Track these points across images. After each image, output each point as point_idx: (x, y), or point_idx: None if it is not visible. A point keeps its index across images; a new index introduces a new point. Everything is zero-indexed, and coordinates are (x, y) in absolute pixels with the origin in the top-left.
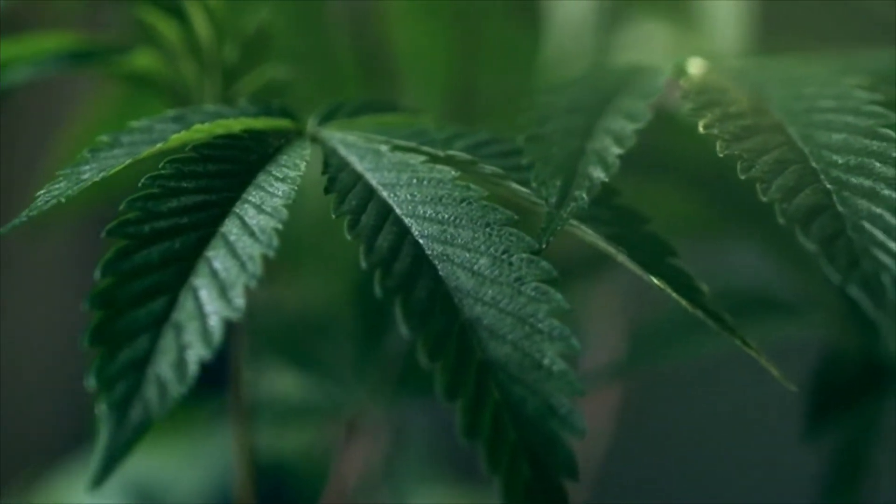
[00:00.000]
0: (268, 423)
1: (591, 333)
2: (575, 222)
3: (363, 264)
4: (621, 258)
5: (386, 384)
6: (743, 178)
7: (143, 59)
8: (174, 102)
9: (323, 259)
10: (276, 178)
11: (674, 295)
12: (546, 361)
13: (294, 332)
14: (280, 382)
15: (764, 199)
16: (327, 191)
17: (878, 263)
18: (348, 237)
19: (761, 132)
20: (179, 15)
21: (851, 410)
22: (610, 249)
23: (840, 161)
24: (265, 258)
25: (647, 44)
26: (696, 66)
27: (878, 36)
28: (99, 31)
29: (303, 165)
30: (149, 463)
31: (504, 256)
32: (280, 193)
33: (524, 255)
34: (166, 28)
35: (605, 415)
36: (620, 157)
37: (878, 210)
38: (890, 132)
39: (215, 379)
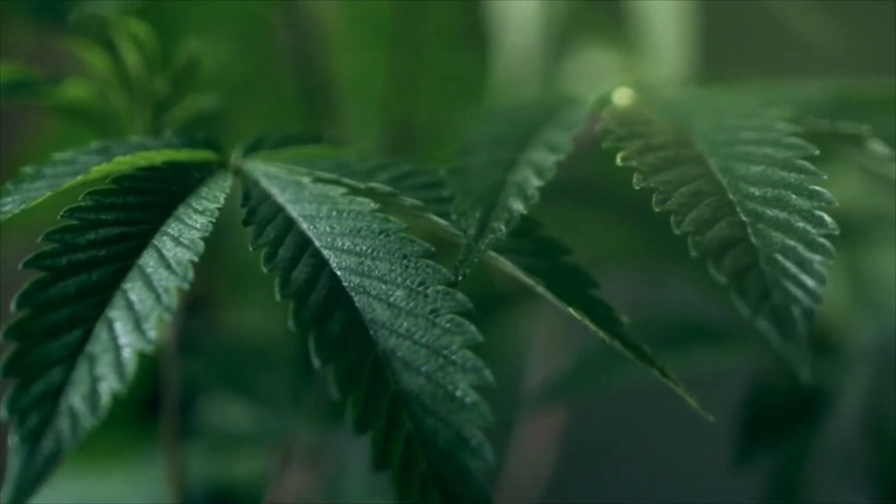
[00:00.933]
0: (208, 451)
1: (543, 354)
2: (494, 254)
3: (277, 297)
4: (540, 290)
5: (321, 411)
6: (657, 210)
7: (76, 91)
8: (107, 133)
9: (264, 287)
10: (196, 211)
11: (591, 327)
12: (459, 393)
13: (235, 360)
14: (221, 411)
15: (677, 232)
16: (245, 223)
17: (788, 296)
18: (265, 270)
19: (681, 164)
20: (110, 46)
21: (782, 438)
22: (528, 281)
23: (757, 193)
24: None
25: (594, 71)
26: (622, 97)
27: (817, 65)
28: (51, 64)
29: (222, 197)
30: (90, 489)
31: (420, 288)
32: (198, 226)
33: (440, 288)
34: (97, 59)
35: (550, 438)
36: (541, 188)
37: (792, 242)
38: (807, 164)
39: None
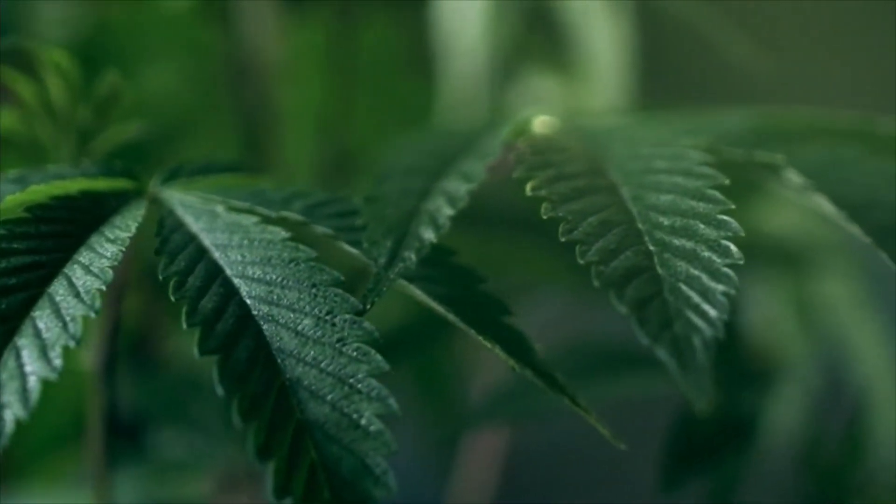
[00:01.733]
0: (142, 477)
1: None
2: (404, 282)
3: (184, 325)
4: (451, 318)
5: None
6: (563, 240)
7: (5, 120)
8: (35, 162)
9: None
10: (108, 240)
11: (502, 356)
12: (363, 421)
13: (172, 386)
14: (158, 437)
15: (581, 262)
16: (157, 252)
17: (690, 326)
18: (172, 299)
19: (593, 193)
20: (35, 76)
21: (711, 463)
22: (440, 309)
23: (666, 222)
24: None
25: (539, 98)
26: (541, 125)
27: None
28: None
29: (134, 226)
30: None
31: (328, 317)
32: (108, 255)
33: (347, 317)
34: (23, 89)
35: (494, 457)
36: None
37: (696, 272)
38: (716, 193)
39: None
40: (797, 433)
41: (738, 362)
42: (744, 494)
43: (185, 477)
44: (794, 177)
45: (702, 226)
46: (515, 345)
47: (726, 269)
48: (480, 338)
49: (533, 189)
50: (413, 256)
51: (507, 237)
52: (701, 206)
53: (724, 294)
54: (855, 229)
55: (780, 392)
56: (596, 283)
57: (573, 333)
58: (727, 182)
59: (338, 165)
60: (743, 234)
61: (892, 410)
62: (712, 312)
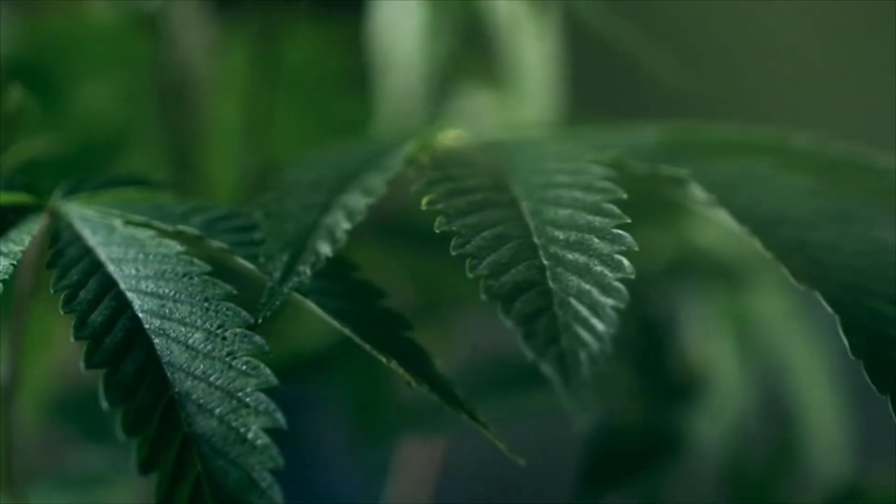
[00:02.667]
0: (60, 490)
1: None
2: (300, 297)
3: (72, 338)
4: (347, 332)
5: None
6: (454, 254)
7: None
8: None
9: None
10: (0, 253)
11: (399, 371)
12: (250, 435)
13: (91, 401)
14: (76, 452)
15: (470, 276)
16: (49, 265)
17: (577, 340)
18: (62, 312)
19: (492, 207)
20: None
21: (629, 478)
22: (335, 324)
23: (561, 237)
24: None
25: (474, 113)
26: (449, 140)
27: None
28: None
29: (28, 240)
30: None
31: (219, 331)
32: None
33: (238, 331)
34: None
35: (429, 467)
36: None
37: (587, 286)
38: (613, 208)
39: None
40: (723, 448)
41: (666, 376)
42: None
43: (105, 491)
44: (698, 191)
45: (596, 240)
46: (414, 360)
47: (617, 284)
48: (376, 353)
49: (429, 203)
50: (308, 271)
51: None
52: (597, 221)
53: (614, 308)
54: (757, 244)
55: (708, 407)
56: (483, 297)
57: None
58: (625, 196)
59: (264, 181)
60: (637, 248)
61: (823, 424)
62: (600, 327)
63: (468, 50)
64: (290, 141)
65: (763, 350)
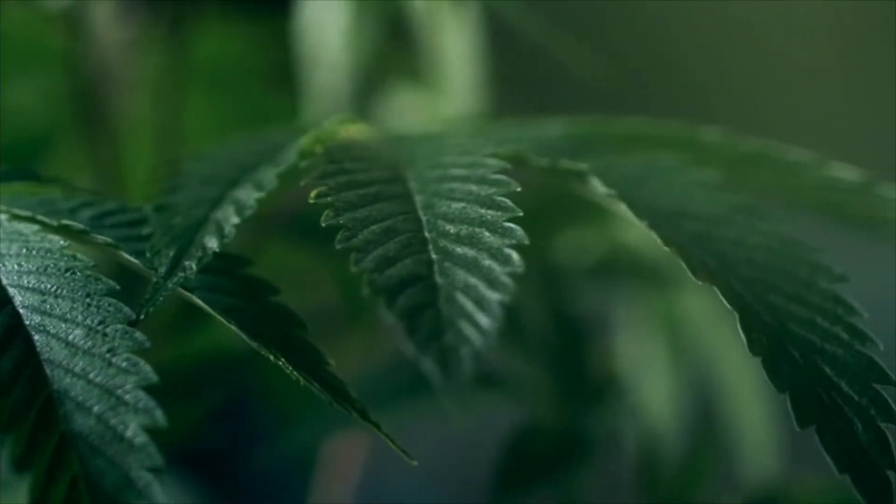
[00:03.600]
0: None
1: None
2: (186, 293)
3: None
4: (233, 329)
5: None
6: (339, 247)
7: None
8: None
9: None
10: None
11: (288, 370)
12: (129, 434)
13: None
14: None
15: (354, 270)
16: None
17: (460, 336)
18: None
19: (385, 200)
20: None
21: (544, 481)
22: (222, 320)
23: (452, 231)
24: None
25: (401, 110)
26: (348, 132)
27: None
28: None
29: None
30: None
31: (100, 327)
32: None
33: (119, 327)
34: None
35: (353, 465)
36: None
37: (474, 281)
38: (506, 201)
39: None
40: (644, 449)
41: (587, 377)
42: None
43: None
44: (597, 185)
45: (487, 234)
46: (305, 358)
47: (504, 278)
48: (263, 350)
49: (318, 196)
50: (194, 266)
51: None
52: (489, 214)
53: (499, 302)
54: (656, 238)
55: (630, 407)
56: (365, 293)
57: None
58: (518, 188)
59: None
60: (527, 241)
61: (751, 425)
62: (484, 321)
63: (393, 47)
64: (214, 138)
65: (692, 350)
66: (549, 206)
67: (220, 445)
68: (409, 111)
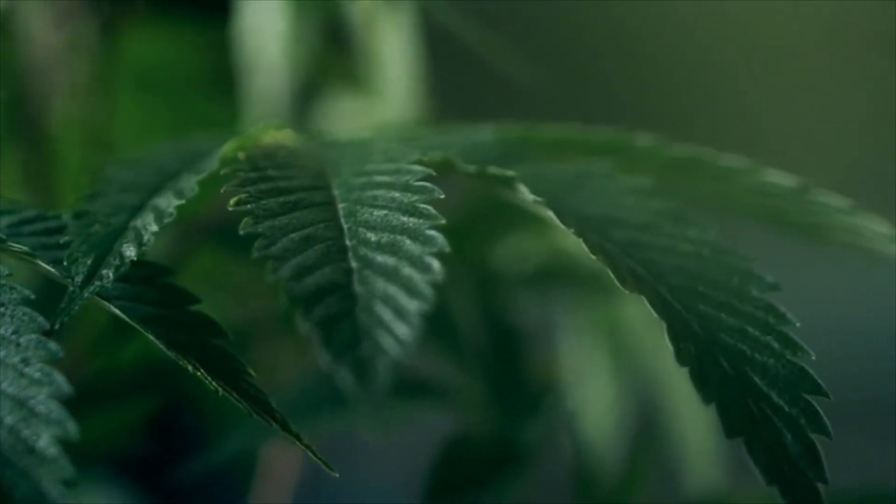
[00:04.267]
0: None
1: None
2: (104, 302)
3: None
4: (151, 338)
5: None
6: (255, 256)
7: None
8: None
9: None
10: None
11: (206, 379)
12: (40, 445)
13: None
14: None
15: (271, 279)
16: None
17: (377, 347)
18: None
19: (307, 208)
20: None
21: (475, 491)
22: (140, 329)
23: (373, 238)
24: None
25: (340, 115)
26: (274, 139)
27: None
28: None
29: None
30: None
31: (13, 337)
32: None
33: (33, 336)
34: None
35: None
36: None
37: (394, 290)
38: (429, 208)
39: None
40: (581, 458)
41: (524, 386)
42: None
43: None
44: (524, 191)
45: (408, 241)
46: (230, 369)
47: (424, 287)
48: (181, 360)
49: (237, 204)
50: (111, 275)
51: None
52: (411, 222)
53: (417, 311)
54: (583, 247)
55: (567, 416)
56: (282, 302)
57: None
58: (442, 196)
59: None
60: (448, 249)
61: (694, 434)
62: (402, 331)
63: (332, 52)
64: (147, 144)
65: (633, 358)
66: (487, 212)
67: (155, 452)
68: (347, 116)
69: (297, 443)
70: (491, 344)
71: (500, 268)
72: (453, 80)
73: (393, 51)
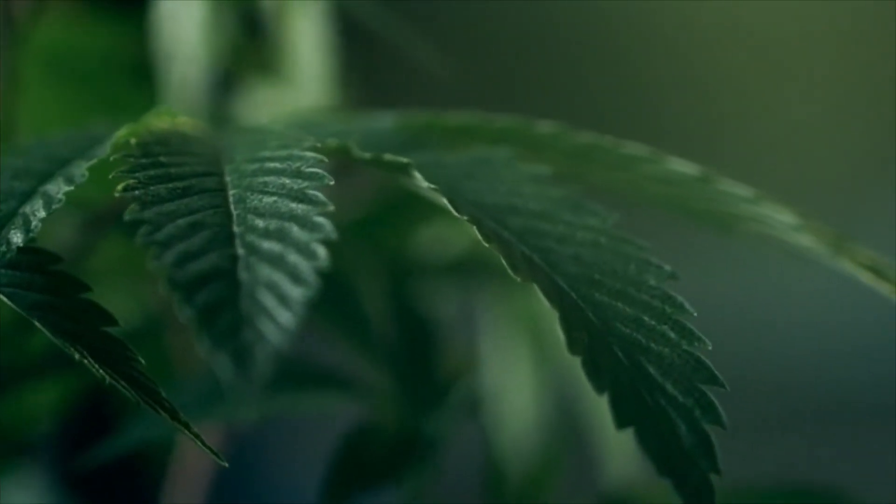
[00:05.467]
0: None
1: None
2: None
3: None
4: (37, 325)
5: None
6: (139, 242)
7: None
8: None
9: None
10: None
11: (92, 367)
12: None
13: None
14: None
15: (153, 266)
16: None
17: (258, 334)
18: None
19: (196, 194)
20: None
21: (380, 484)
22: (27, 316)
23: (261, 225)
24: None
25: (257, 104)
26: (169, 125)
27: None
28: None
29: None
30: None
31: None
32: None
33: None
34: None
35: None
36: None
37: (278, 276)
38: (318, 195)
39: None
40: (492, 452)
41: (435, 378)
42: None
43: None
44: (420, 179)
45: (296, 228)
46: (113, 355)
47: (308, 274)
48: (66, 348)
49: (125, 189)
50: None
51: None
52: (300, 209)
53: (301, 297)
54: (476, 234)
55: (479, 409)
56: (162, 289)
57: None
58: (332, 182)
59: None
60: (335, 236)
61: (610, 430)
62: (285, 318)
63: (248, 42)
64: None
65: (553, 351)
66: (402, 203)
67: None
68: (263, 105)
69: (186, 433)
70: (402, 335)
71: (418, 259)
72: (371, 70)
73: (307, 40)
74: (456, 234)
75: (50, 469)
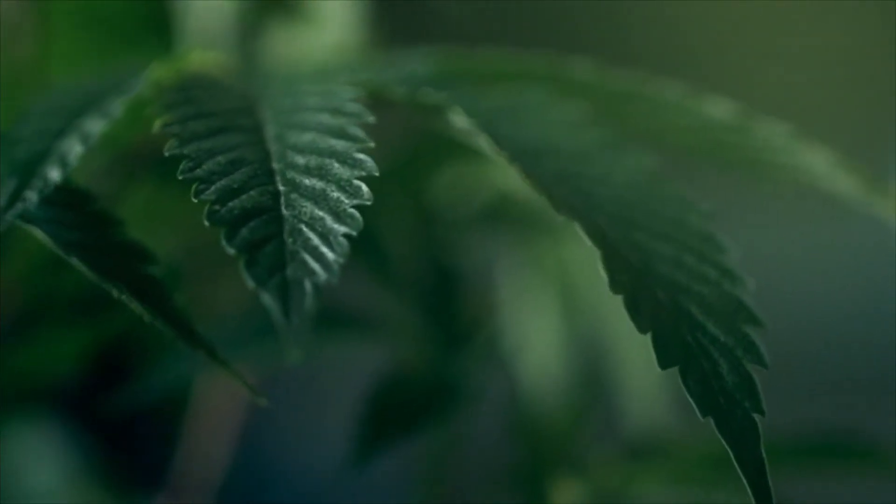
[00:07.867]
0: None
1: None
2: (27, 226)
3: None
4: (74, 263)
5: None
6: (180, 178)
7: None
8: None
9: None
10: None
11: (133, 305)
12: None
13: None
14: None
15: (195, 200)
16: None
17: (304, 269)
18: None
19: (233, 131)
20: None
21: (410, 430)
22: (63, 255)
23: (301, 162)
24: None
25: (280, 46)
26: (203, 63)
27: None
28: None
29: None
30: None
31: None
32: None
33: None
34: None
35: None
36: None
37: (321, 213)
38: (358, 131)
39: None
40: (520, 400)
41: (462, 325)
42: (455, 461)
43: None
44: (457, 118)
45: (337, 165)
46: (156, 296)
47: (352, 210)
48: (105, 284)
49: (163, 126)
50: (35, 197)
51: None
52: (340, 145)
53: (346, 235)
54: (517, 173)
55: (507, 357)
56: (206, 223)
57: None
58: (372, 119)
59: None
60: (377, 172)
61: (641, 379)
62: (330, 255)
63: None
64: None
65: (579, 299)
66: (428, 148)
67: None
68: (287, 47)
69: (227, 371)
70: (429, 279)
71: (443, 205)
72: (397, 9)
73: None
74: (480, 183)
75: (69, 415)
